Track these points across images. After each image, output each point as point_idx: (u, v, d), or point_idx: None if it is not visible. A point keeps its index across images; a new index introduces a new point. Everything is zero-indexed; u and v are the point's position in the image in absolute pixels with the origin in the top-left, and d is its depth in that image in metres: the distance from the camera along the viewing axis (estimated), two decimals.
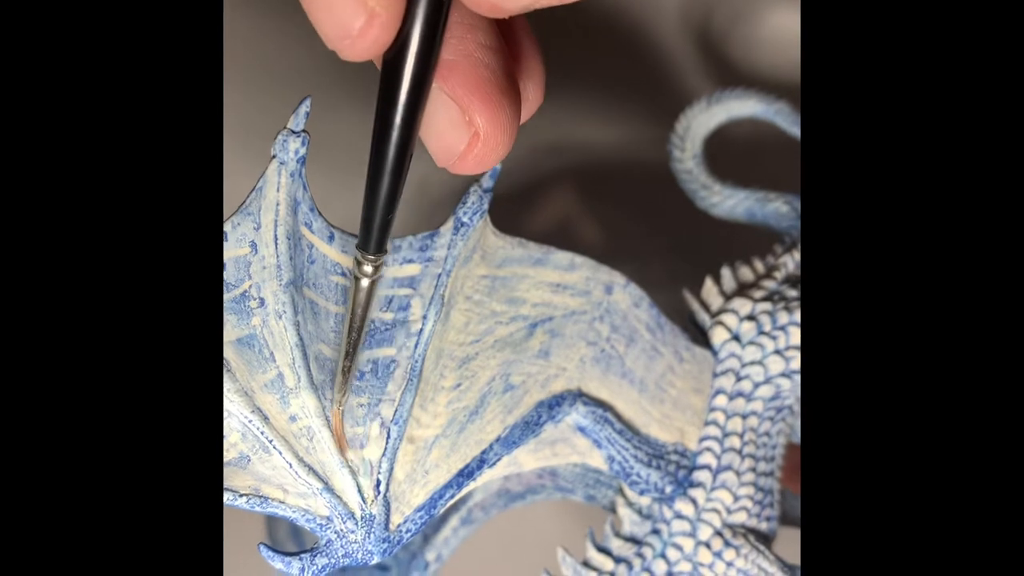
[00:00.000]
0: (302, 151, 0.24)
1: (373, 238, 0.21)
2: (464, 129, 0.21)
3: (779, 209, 0.37)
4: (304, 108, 0.24)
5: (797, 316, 0.31)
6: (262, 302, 0.24)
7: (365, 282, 0.22)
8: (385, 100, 0.19)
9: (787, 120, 0.38)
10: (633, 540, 0.30)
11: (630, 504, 0.31)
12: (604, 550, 0.31)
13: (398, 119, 0.19)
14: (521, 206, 0.41)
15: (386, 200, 0.20)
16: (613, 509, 0.32)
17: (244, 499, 0.24)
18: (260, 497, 0.24)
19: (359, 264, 0.22)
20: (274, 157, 0.24)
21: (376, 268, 0.22)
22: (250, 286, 0.23)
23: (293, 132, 0.24)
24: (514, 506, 0.35)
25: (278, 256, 0.24)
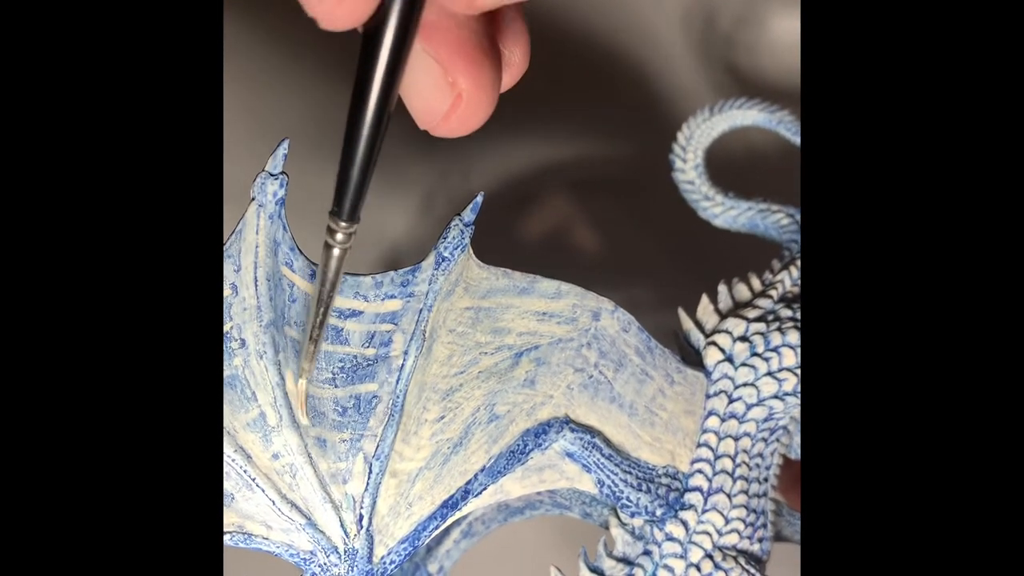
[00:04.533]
0: (280, 193, 0.24)
1: (347, 204, 0.21)
2: (447, 90, 0.21)
3: (780, 221, 0.36)
4: (282, 151, 0.24)
5: (790, 337, 0.31)
6: (243, 343, 0.24)
7: (337, 251, 0.22)
8: (365, 61, 0.19)
9: (790, 130, 0.37)
10: (625, 561, 0.31)
11: (623, 524, 0.31)
12: (596, 570, 0.31)
13: (378, 79, 0.19)
14: (519, 216, 0.41)
15: (362, 165, 0.20)
16: (607, 527, 0.32)
17: (228, 536, 0.24)
18: (244, 534, 0.24)
19: (331, 231, 0.21)
20: (253, 199, 0.24)
21: (348, 236, 0.21)
22: (231, 327, 0.24)
23: (271, 175, 0.24)
24: (513, 520, 0.35)
25: (258, 297, 0.24)
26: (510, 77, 0.22)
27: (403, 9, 0.18)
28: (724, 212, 0.37)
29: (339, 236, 0.21)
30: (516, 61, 0.22)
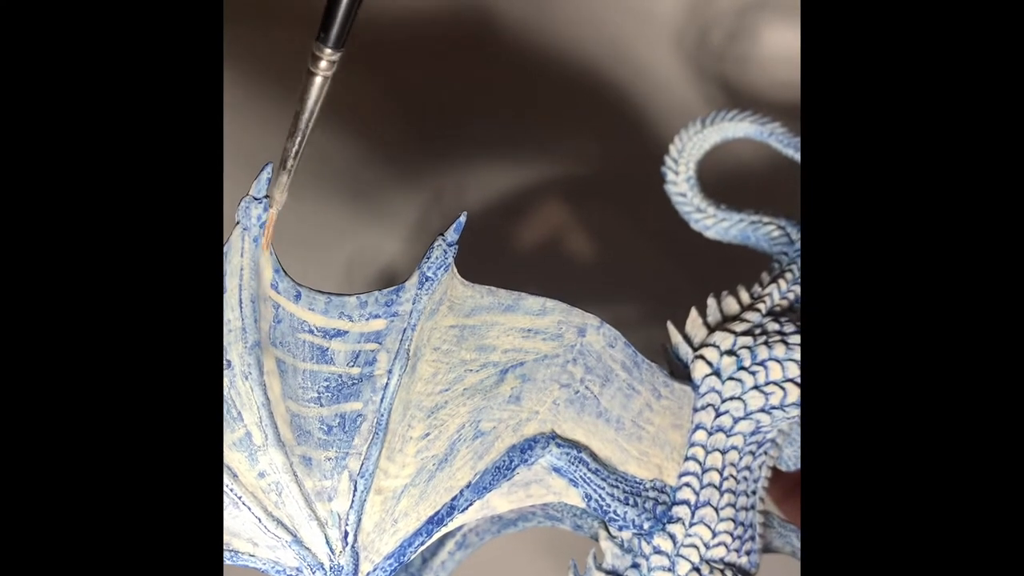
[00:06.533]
0: (264, 216, 0.24)
1: (333, 30, 0.21)
2: None
3: (771, 233, 0.37)
4: (265, 175, 0.24)
5: (777, 351, 0.31)
6: (229, 364, 0.24)
7: (318, 79, 0.22)
8: None
9: (781, 141, 0.37)
10: (614, 573, 0.31)
11: (612, 537, 0.31)
12: None
13: None
14: (514, 229, 0.42)
15: None
16: (598, 539, 0.32)
17: None
18: (231, 551, 0.25)
19: (315, 59, 0.22)
20: (238, 223, 0.24)
21: (331, 64, 0.22)
22: None
23: (255, 198, 0.24)
24: (506, 532, 0.36)
25: (243, 319, 0.24)
26: None
27: None
28: (716, 224, 0.37)
29: (322, 63, 0.22)
30: None
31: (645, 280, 0.43)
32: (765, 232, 0.37)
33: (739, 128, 0.38)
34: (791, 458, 0.34)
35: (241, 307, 0.24)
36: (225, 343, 0.24)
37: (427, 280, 0.26)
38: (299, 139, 0.23)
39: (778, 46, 0.42)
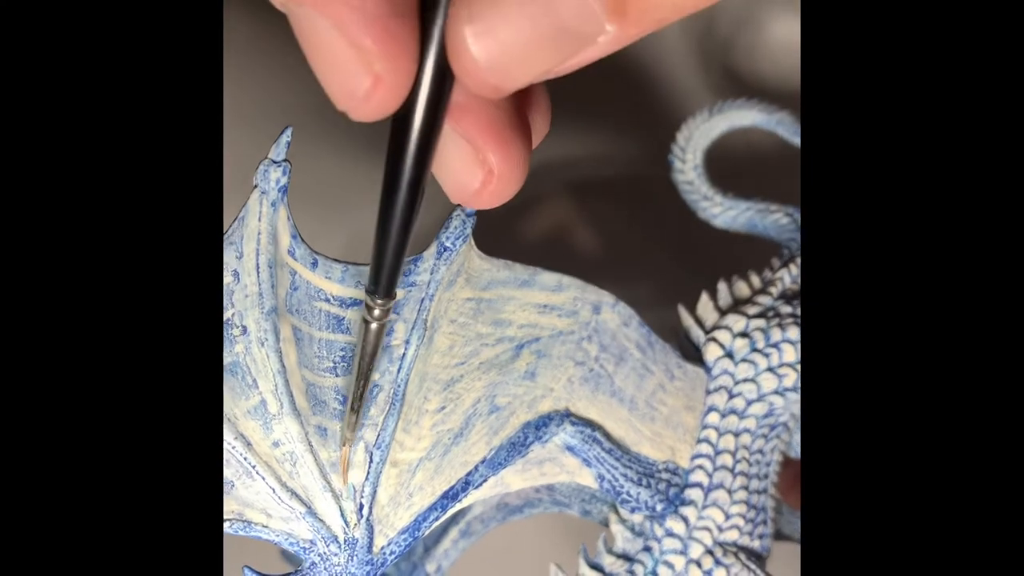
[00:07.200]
0: (283, 180, 0.24)
1: (383, 282, 0.21)
2: (478, 167, 0.20)
3: (779, 220, 0.37)
4: (285, 138, 0.24)
5: (791, 333, 0.31)
6: (245, 330, 0.24)
7: (375, 326, 0.22)
8: (395, 145, 0.19)
9: (788, 130, 0.37)
10: (625, 557, 0.31)
11: (623, 521, 0.31)
12: (596, 567, 0.31)
13: (409, 163, 0.19)
14: (519, 217, 0.41)
15: (396, 246, 0.20)
16: (607, 524, 0.32)
17: (228, 523, 0.24)
18: (244, 521, 0.24)
19: (368, 308, 0.22)
20: (256, 187, 0.24)
21: (385, 312, 0.22)
22: (233, 314, 0.24)
23: (274, 162, 0.24)
24: (512, 519, 0.35)
25: (260, 284, 0.24)
26: (533, 142, 0.22)
27: (431, 95, 0.18)
28: (723, 212, 0.37)
29: (376, 312, 0.22)
30: (539, 128, 0.22)
31: (651, 270, 0.42)
32: (773, 220, 0.37)
33: (746, 116, 0.38)
34: (800, 444, 0.34)
35: (258, 272, 0.24)
36: (241, 308, 0.24)
37: (445, 250, 0.26)
38: (362, 382, 0.24)
39: (784, 36, 0.42)
